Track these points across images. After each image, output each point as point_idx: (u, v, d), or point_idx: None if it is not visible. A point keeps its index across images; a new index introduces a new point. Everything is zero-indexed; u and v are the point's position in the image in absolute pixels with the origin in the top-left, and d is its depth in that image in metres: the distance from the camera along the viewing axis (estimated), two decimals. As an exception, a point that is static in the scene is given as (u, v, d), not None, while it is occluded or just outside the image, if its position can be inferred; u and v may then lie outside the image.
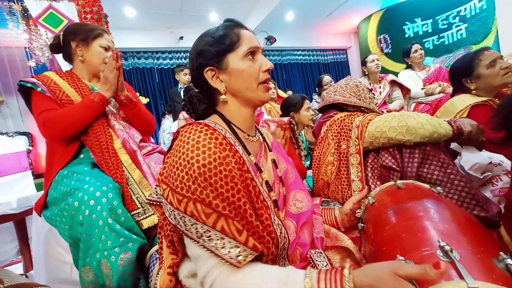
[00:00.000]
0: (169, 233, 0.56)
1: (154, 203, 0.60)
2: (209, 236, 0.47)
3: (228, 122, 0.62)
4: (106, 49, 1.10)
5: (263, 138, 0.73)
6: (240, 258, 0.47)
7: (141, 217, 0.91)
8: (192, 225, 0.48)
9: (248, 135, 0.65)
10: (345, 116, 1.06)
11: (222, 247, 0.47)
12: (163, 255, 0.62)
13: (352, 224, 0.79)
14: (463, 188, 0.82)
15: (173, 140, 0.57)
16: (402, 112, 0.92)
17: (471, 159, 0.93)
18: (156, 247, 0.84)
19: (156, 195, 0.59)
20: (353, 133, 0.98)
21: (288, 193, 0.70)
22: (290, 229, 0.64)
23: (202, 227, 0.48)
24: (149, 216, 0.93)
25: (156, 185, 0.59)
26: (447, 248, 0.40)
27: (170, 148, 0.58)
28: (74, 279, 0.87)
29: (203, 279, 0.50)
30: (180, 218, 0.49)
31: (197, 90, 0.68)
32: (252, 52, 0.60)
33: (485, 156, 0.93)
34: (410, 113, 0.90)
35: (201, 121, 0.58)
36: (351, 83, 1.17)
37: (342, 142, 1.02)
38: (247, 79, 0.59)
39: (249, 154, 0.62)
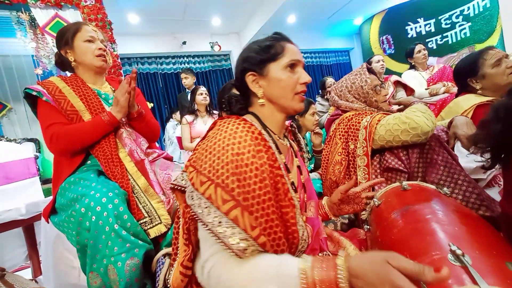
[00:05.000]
0: (187, 220, 0.56)
1: (178, 187, 0.60)
2: (220, 222, 0.47)
3: (261, 123, 0.65)
4: (91, 41, 1.05)
5: (290, 144, 0.76)
6: (247, 252, 0.46)
7: (148, 226, 0.91)
8: (206, 207, 0.48)
9: (279, 138, 0.69)
10: (352, 115, 1.05)
11: (231, 237, 0.46)
12: (177, 247, 0.62)
13: (341, 213, 0.82)
14: (467, 188, 0.81)
15: (208, 131, 0.62)
16: (406, 113, 0.91)
17: (469, 165, 0.93)
18: (162, 252, 0.84)
19: (182, 180, 0.60)
20: (361, 134, 0.96)
21: (308, 200, 0.72)
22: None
23: (215, 211, 0.48)
24: (156, 225, 0.92)
25: (183, 171, 0.60)
26: (459, 252, 0.39)
27: (204, 137, 0.61)
28: (82, 284, 0.87)
29: (204, 263, 0.50)
30: (197, 199, 0.50)
31: (237, 92, 0.73)
32: (292, 65, 0.64)
33: (471, 159, 0.93)
34: (412, 111, 0.89)
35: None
36: (357, 83, 1.11)
37: (350, 142, 1.01)
38: (284, 88, 0.63)
39: (280, 153, 0.63)
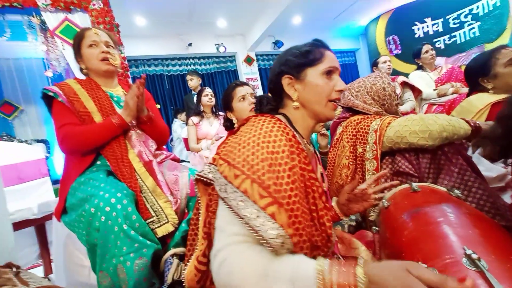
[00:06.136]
0: (209, 214, 0.56)
1: (202, 179, 0.60)
2: (257, 216, 0.46)
3: (292, 125, 0.66)
4: (94, 45, 1.07)
5: (314, 150, 0.75)
6: (284, 247, 0.45)
7: (156, 226, 0.92)
8: (241, 201, 0.47)
9: (306, 143, 0.69)
10: (361, 118, 1.03)
11: (269, 230, 0.45)
12: (194, 239, 0.61)
13: (352, 213, 0.82)
14: (481, 196, 0.78)
15: (240, 126, 0.62)
16: (421, 115, 0.89)
17: (489, 174, 0.90)
18: (170, 252, 0.85)
19: (209, 172, 0.60)
20: (370, 137, 0.94)
21: None
22: None
23: (252, 205, 0.47)
24: (163, 224, 0.93)
25: (210, 163, 0.60)
26: (475, 256, 0.37)
27: (235, 132, 0.61)
28: (92, 283, 0.88)
29: (217, 252, 0.48)
30: (232, 192, 0.49)
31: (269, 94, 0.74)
32: (330, 71, 0.65)
33: (490, 167, 0.92)
34: (429, 116, 0.87)
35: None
36: (378, 85, 1.07)
37: (358, 146, 0.99)
38: (320, 93, 0.64)
39: None
